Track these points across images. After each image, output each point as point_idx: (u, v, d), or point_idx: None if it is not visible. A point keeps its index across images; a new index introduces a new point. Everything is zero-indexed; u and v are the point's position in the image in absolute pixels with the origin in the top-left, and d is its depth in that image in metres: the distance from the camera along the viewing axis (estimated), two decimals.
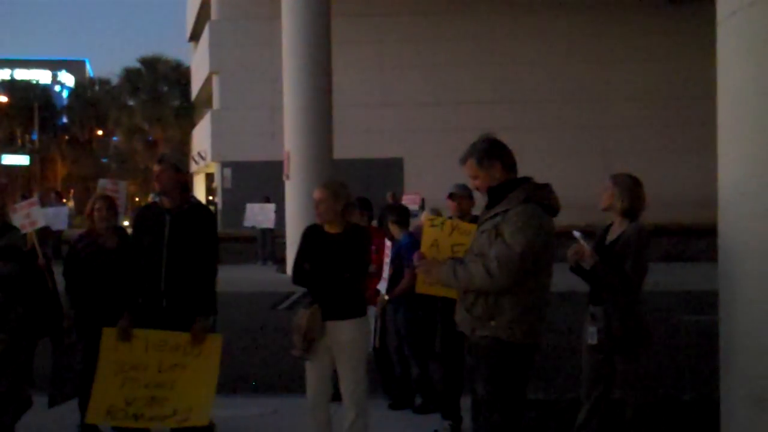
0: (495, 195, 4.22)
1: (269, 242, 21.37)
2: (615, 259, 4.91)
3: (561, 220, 4.34)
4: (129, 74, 52.08)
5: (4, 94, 60.22)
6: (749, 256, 4.64)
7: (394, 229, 7.19)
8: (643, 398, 4.99)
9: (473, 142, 4.36)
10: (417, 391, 7.06)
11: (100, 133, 59.11)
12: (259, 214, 20.38)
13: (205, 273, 5.37)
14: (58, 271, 6.05)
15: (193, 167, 41.26)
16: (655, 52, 32.39)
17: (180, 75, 50.89)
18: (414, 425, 6.63)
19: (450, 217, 5.90)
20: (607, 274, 4.88)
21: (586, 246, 4.91)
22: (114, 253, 5.83)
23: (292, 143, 18.52)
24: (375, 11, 32.71)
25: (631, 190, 5.08)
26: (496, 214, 4.15)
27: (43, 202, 18.97)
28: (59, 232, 19.16)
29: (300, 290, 7.18)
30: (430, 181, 26.05)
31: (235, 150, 33.60)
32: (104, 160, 60.81)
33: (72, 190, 58.77)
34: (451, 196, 6.29)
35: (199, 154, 39.48)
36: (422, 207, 17.78)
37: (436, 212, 6.17)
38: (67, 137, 60.74)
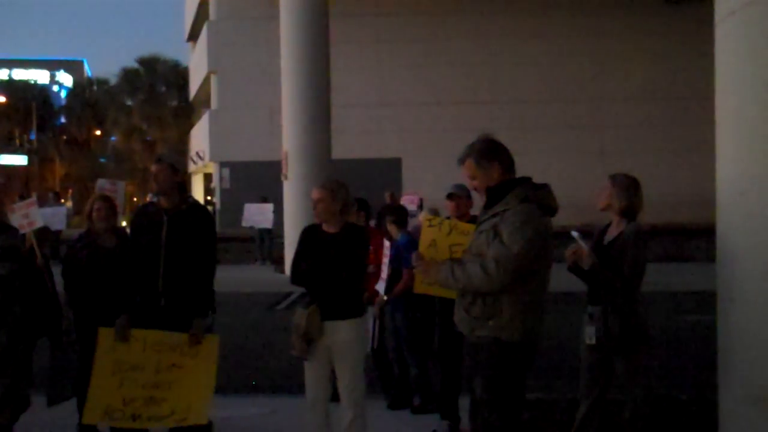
0: (493, 195, 4.23)
1: (267, 242, 21.37)
2: (613, 259, 4.92)
3: (559, 220, 4.34)
4: (127, 74, 52.06)
5: (2, 94, 60.19)
6: (747, 256, 4.65)
7: (392, 229, 7.19)
8: (641, 398, 4.99)
9: (471, 142, 4.36)
10: (416, 391, 7.07)
11: (98, 133, 59.06)
12: (257, 214, 20.38)
13: (203, 273, 5.37)
14: (56, 271, 6.05)
15: (192, 167, 41.24)
16: (653, 52, 32.38)
17: (178, 75, 50.86)
18: (412, 425, 6.64)
19: (448, 217, 5.90)
20: (605, 274, 4.89)
21: (584, 246, 4.91)
22: (113, 254, 5.82)
23: (290, 143, 18.52)
24: (373, 11, 32.69)
25: (629, 190, 5.08)
26: (494, 215, 4.15)
27: (41, 203, 18.97)
28: (57, 233, 19.15)
29: (298, 290, 7.17)
30: (428, 181, 26.01)
31: (234, 150, 33.57)
32: (102, 160, 60.76)
33: (70, 190, 58.72)
34: (449, 196, 6.29)
35: (197, 154, 39.44)
36: (420, 207, 17.77)
37: (435, 212, 6.18)
38: (65, 137, 60.69)
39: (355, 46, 31.20)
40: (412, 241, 6.66)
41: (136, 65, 52.04)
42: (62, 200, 35.82)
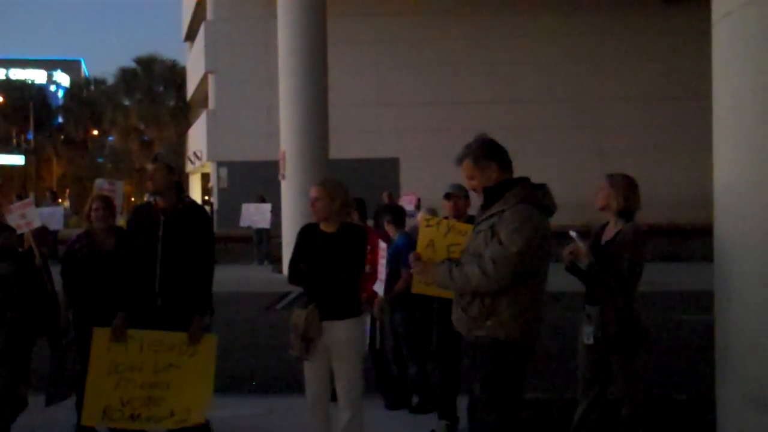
0: (491, 195, 4.23)
1: (265, 242, 21.36)
2: (611, 259, 4.92)
3: (557, 220, 4.35)
4: (124, 74, 52.03)
5: (0, 94, 60.12)
6: (745, 256, 4.65)
7: (390, 229, 7.20)
8: (640, 398, 5.00)
9: (469, 142, 4.36)
10: (414, 391, 7.07)
11: (95, 132, 58.99)
12: (255, 214, 20.37)
13: (201, 273, 5.37)
14: (55, 271, 6.04)
15: (189, 167, 41.25)
16: (651, 52, 32.44)
17: (176, 75, 50.84)
18: (410, 425, 6.63)
19: (446, 218, 5.90)
20: (602, 274, 4.89)
21: (581, 245, 4.92)
22: (112, 253, 5.82)
23: (288, 143, 18.52)
24: (371, 11, 32.70)
25: (626, 190, 5.08)
26: (492, 215, 4.16)
27: (39, 203, 18.97)
28: (55, 232, 19.14)
29: (296, 290, 7.18)
30: (426, 181, 26.02)
31: (231, 150, 33.58)
32: (100, 160, 60.70)
33: (68, 190, 58.68)
34: (447, 196, 6.29)
35: (194, 153, 39.45)
36: (418, 207, 17.77)
37: (433, 212, 6.18)
38: (62, 137, 60.63)
39: (352, 46, 31.21)
40: (410, 241, 6.67)
41: (133, 65, 52.04)
42: (59, 200, 35.78)
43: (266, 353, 9.86)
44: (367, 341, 6.52)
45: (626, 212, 5.06)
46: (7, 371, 5.60)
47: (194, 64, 41.16)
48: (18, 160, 59.36)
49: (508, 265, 3.99)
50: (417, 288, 5.50)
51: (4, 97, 59.69)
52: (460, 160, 4.31)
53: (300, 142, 18.27)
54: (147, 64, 51.58)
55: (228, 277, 13.97)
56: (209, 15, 36.23)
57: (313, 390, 5.22)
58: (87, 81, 68.66)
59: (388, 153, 32.76)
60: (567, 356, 6.53)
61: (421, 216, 5.80)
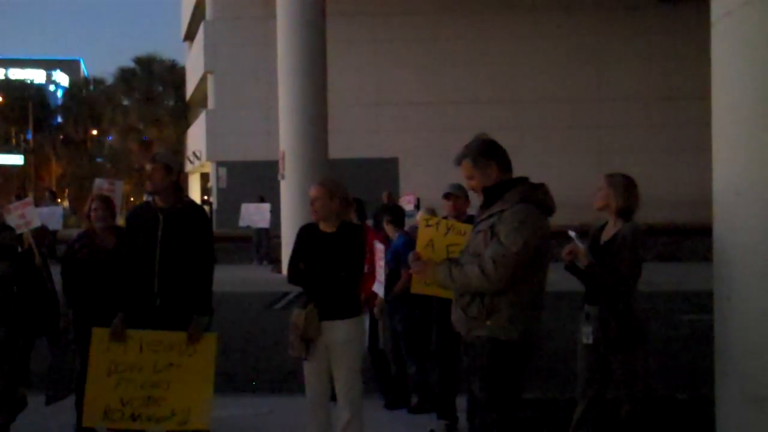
0: (491, 195, 4.22)
1: (264, 242, 21.35)
2: (610, 259, 4.92)
3: (556, 220, 4.35)
4: (124, 74, 52.06)
5: None
6: (744, 255, 4.65)
7: (389, 229, 7.20)
8: (639, 397, 5.00)
9: (468, 142, 4.36)
10: (414, 391, 7.07)
11: (94, 132, 59.02)
12: (254, 214, 20.37)
13: (201, 272, 5.36)
14: (55, 270, 6.04)
15: (188, 167, 41.22)
16: (650, 52, 32.45)
17: (175, 75, 50.86)
18: (410, 425, 6.63)
19: (445, 217, 5.90)
20: (601, 273, 4.89)
21: (580, 245, 4.92)
22: (111, 253, 5.82)
23: (287, 143, 18.52)
24: (370, 11, 32.71)
25: (625, 190, 5.08)
26: (491, 215, 4.15)
27: (38, 202, 18.94)
28: (54, 232, 19.13)
29: (295, 290, 7.17)
30: (425, 181, 26.05)
31: (230, 150, 33.58)
32: (99, 160, 60.71)
33: (67, 190, 58.68)
34: (446, 195, 6.29)
35: (194, 153, 39.46)
36: (417, 207, 17.77)
37: (432, 212, 6.18)
38: (61, 137, 60.66)
39: (352, 45, 31.22)
40: (409, 241, 6.67)
41: (132, 65, 52.08)
42: (59, 200, 35.77)
43: (266, 353, 9.86)
44: (366, 341, 6.53)
45: (625, 212, 5.06)
46: (6, 371, 5.59)
47: (193, 63, 41.16)
48: (17, 159, 59.37)
49: (508, 265, 3.99)
50: (416, 288, 5.50)
51: (3, 97, 59.69)
52: (459, 160, 4.31)
53: (299, 142, 18.26)
54: (146, 63, 51.61)
55: (227, 277, 13.98)
56: (208, 15, 36.22)
57: (312, 390, 5.21)
58: (86, 81, 68.71)
59: (387, 153, 32.76)
60: (566, 356, 6.53)
61: (420, 216, 5.80)
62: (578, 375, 5.18)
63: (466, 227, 5.05)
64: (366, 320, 6.44)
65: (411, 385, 7.10)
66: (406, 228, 7.28)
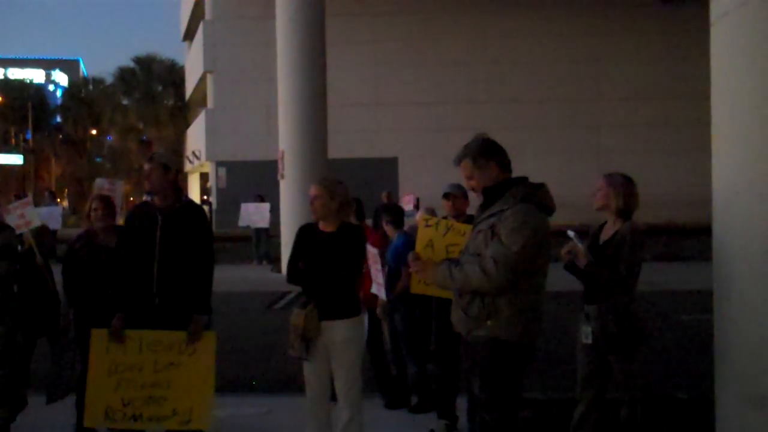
0: (491, 195, 4.23)
1: (264, 242, 21.36)
2: (609, 259, 4.92)
3: (555, 220, 4.35)
4: (123, 73, 52.06)
5: None
6: (743, 255, 4.65)
7: (389, 229, 7.20)
8: (639, 397, 5.00)
9: (467, 142, 4.36)
10: (414, 391, 7.07)
11: (94, 132, 59.01)
12: (254, 214, 20.37)
13: (201, 271, 5.36)
14: (55, 270, 6.05)
15: (188, 167, 41.24)
16: (649, 52, 32.47)
17: (174, 74, 50.87)
18: (410, 424, 6.64)
19: (445, 217, 5.90)
20: (600, 273, 4.89)
21: (579, 245, 4.92)
22: (112, 253, 5.82)
23: (286, 143, 18.52)
24: (369, 11, 32.72)
25: (625, 190, 5.08)
26: (492, 214, 4.15)
27: (37, 202, 18.96)
28: (53, 232, 19.12)
29: (295, 290, 7.18)
30: (424, 181, 26.06)
31: (230, 149, 33.59)
32: (98, 160, 60.73)
33: (66, 190, 58.67)
34: (446, 195, 6.29)
35: (193, 153, 39.46)
36: (417, 207, 17.77)
37: (431, 212, 6.17)
38: (61, 136, 60.65)
39: (351, 45, 31.23)
40: (409, 241, 6.66)
41: (132, 64, 52.08)
42: (58, 200, 35.76)
43: (265, 353, 9.86)
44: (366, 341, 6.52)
45: (624, 212, 5.06)
46: (7, 371, 5.60)
47: (193, 63, 41.15)
48: (16, 159, 59.36)
49: (508, 265, 3.99)
50: (416, 288, 5.50)
51: (2, 97, 59.66)
52: (459, 160, 4.31)
53: (299, 142, 18.27)
54: (146, 63, 51.62)
55: (227, 277, 13.98)
56: (208, 14, 36.22)
57: (312, 390, 5.21)
58: (85, 80, 68.68)
59: (386, 153, 32.77)
60: (566, 356, 6.54)
61: (419, 216, 5.80)
62: (578, 375, 5.18)
63: (466, 227, 5.05)
64: (365, 320, 6.45)
65: (411, 385, 7.10)
66: (405, 228, 7.28)
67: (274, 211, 19.72)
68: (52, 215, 18.83)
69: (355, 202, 7.18)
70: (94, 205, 5.98)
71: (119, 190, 7.67)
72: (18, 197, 20.01)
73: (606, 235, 5.09)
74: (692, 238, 20.91)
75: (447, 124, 30.87)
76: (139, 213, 5.57)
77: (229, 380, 7.84)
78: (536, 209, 4.14)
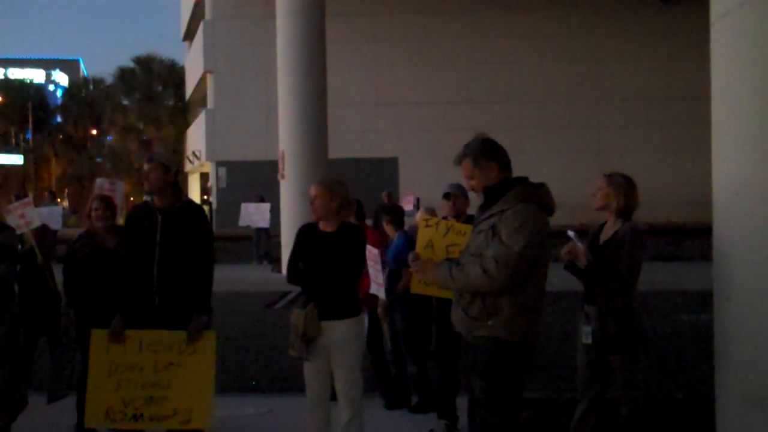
0: (491, 195, 4.23)
1: (264, 242, 21.36)
2: (609, 259, 4.92)
3: (555, 220, 4.35)
4: (123, 73, 52.07)
5: None
6: (744, 255, 4.65)
7: (389, 229, 7.20)
8: (639, 397, 5.00)
9: (467, 142, 4.36)
10: (414, 391, 7.07)
11: (94, 132, 59.02)
12: (254, 214, 20.36)
13: (201, 271, 5.36)
14: (56, 270, 6.05)
15: (188, 167, 41.24)
16: (650, 52, 32.46)
17: (174, 74, 50.87)
18: (410, 424, 6.64)
19: (445, 217, 5.90)
20: (600, 273, 4.89)
21: (579, 245, 4.92)
22: (112, 253, 5.82)
23: (286, 143, 18.53)
24: (369, 11, 32.72)
25: (625, 190, 5.08)
26: (493, 214, 4.15)
27: (37, 202, 18.94)
28: (54, 232, 19.10)
29: (295, 290, 7.18)
30: (424, 181, 26.09)
31: (230, 149, 33.60)
32: (99, 160, 60.70)
33: (66, 190, 58.67)
34: (446, 195, 6.29)
35: (193, 153, 39.47)
36: (417, 207, 17.78)
37: (431, 212, 6.18)
38: (61, 136, 60.66)
39: (351, 45, 31.23)
40: (409, 241, 6.67)
41: (132, 65, 52.09)
42: (58, 200, 35.77)
43: (266, 353, 9.86)
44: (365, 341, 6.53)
45: (625, 212, 5.06)
46: (7, 371, 5.60)
47: (193, 63, 41.16)
48: (17, 159, 59.36)
49: (510, 265, 3.99)
50: (416, 288, 5.50)
51: (2, 97, 59.66)
52: (459, 160, 4.31)
53: (299, 142, 18.28)
54: (146, 63, 51.63)
55: (227, 277, 13.98)
56: (208, 14, 36.23)
57: (313, 390, 5.22)
58: (86, 80, 68.68)
59: (387, 153, 32.77)
60: (566, 356, 6.54)
61: (419, 216, 5.80)
62: (578, 375, 5.18)
63: (466, 227, 5.05)
64: (365, 320, 6.45)
65: (411, 385, 7.10)
66: (405, 228, 7.28)
67: (275, 211, 19.72)
68: (52, 215, 18.72)
69: (355, 203, 7.19)
70: (94, 205, 5.99)
71: (120, 190, 7.68)
72: (18, 197, 20.00)
73: (606, 235, 5.09)
74: (692, 238, 20.91)
75: (447, 124, 30.87)
76: (139, 213, 5.57)
77: (230, 380, 7.85)
78: (537, 209, 4.14)
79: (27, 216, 6.49)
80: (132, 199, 51.24)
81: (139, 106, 50.43)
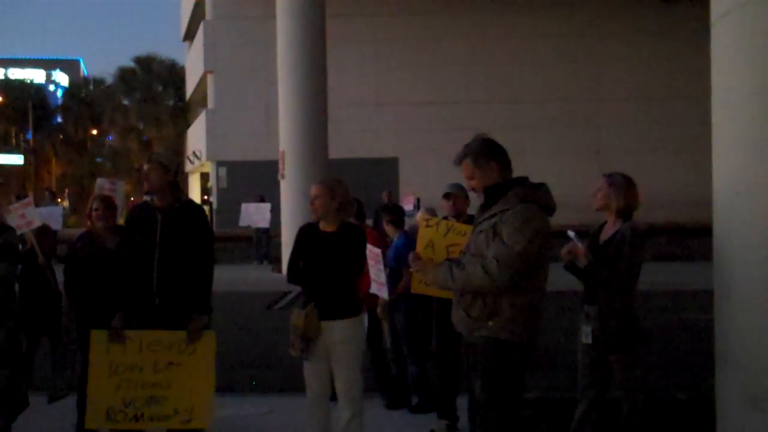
0: (492, 195, 4.23)
1: (264, 242, 21.37)
2: (609, 259, 4.92)
3: (555, 220, 4.35)
4: (123, 73, 52.02)
5: None
6: (744, 255, 4.66)
7: (389, 229, 7.20)
8: (639, 397, 5.00)
9: (467, 142, 4.36)
10: (414, 391, 7.07)
11: (94, 132, 58.95)
12: (254, 214, 20.37)
13: (200, 270, 5.37)
14: (57, 270, 6.06)
15: (188, 167, 41.21)
16: (650, 52, 32.42)
17: (175, 74, 50.82)
18: (410, 424, 6.64)
19: (445, 217, 5.91)
20: (600, 273, 4.89)
21: (579, 245, 4.92)
22: (113, 253, 5.83)
23: (287, 143, 18.53)
24: (369, 11, 32.69)
25: (625, 190, 5.08)
26: (493, 214, 4.16)
27: (37, 202, 18.92)
28: (54, 232, 19.09)
29: (295, 289, 7.19)
30: (425, 181, 26.07)
31: (230, 149, 33.56)
32: (99, 160, 60.65)
33: (67, 190, 58.63)
34: (446, 195, 6.29)
35: (194, 153, 39.43)
36: (417, 207, 17.78)
37: (432, 212, 6.18)
38: (61, 137, 60.58)
39: (352, 45, 31.21)
40: (409, 241, 6.67)
41: (132, 65, 52.03)
42: (58, 200, 35.75)
43: (266, 353, 9.86)
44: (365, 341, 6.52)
45: (625, 212, 5.06)
46: (7, 371, 5.60)
47: (193, 63, 41.13)
48: (17, 159, 59.28)
49: (511, 265, 3.99)
50: (416, 288, 5.51)
51: (3, 97, 59.61)
52: (459, 160, 4.31)
53: (299, 142, 18.28)
54: (146, 63, 51.59)
55: (227, 277, 13.99)
56: (208, 14, 36.20)
57: (312, 389, 5.22)
58: (86, 81, 68.63)
59: (387, 153, 32.74)
60: (566, 356, 6.54)
61: (420, 216, 5.80)
62: (578, 375, 5.18)
63: (466, 228, 5.05)
64: (365, 320, 6.45)
65: (412, 385, 7.10)
66: (406, 228, 7.28)
67: (275, 211, 19.73)
68: (52, 215, 18.68)
69: (356, 203, 7.18)
70: (94, 206, 5.99)
71: (121, 190, 7.68)
72: (19, 197, 20.00)
73: (606, 235, 5.09)
74: (692, 238, 20.89)
75: (447, 124, 30.83)
76: (139, 213, 5.58)
77: (230, 380, 7.85)
78: (538, 209, 4.14)
79: (28, 216, 6.50)
80: (132, 199, 51.23)
81: (139, 106, 50.38)
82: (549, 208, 4.24)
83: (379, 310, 6.84)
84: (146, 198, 5.64)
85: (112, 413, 5.28)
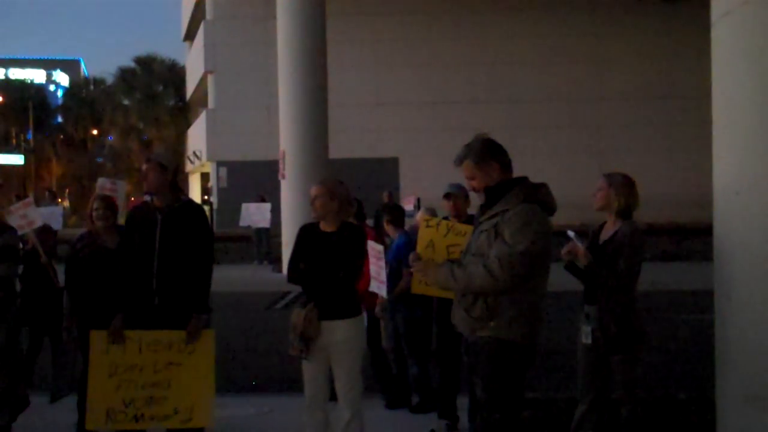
0: (492, 195, 4.23)
1: (265, 242, 21.37)
2: (609, 259, 4.92)
3: (556, 220, 4.35)
4: (124, 74, 52.03)
5: None
6: (743, 254, 4.66)
7: (389, 229, 7.20)
8: (639, 397, 5.01)
9: (468, 142, 4.36)
10: (414, 391, 7.08)
11: (95, 132, 58.98)
12: (254, 214, 20.38)
13: (200, 270, 5.37)
14: (59, 270, 6.06)
15: (189, 167, 41.23)
16: (650, 52, 32.42)
17: (175, 74, 50.83)
18: (410, 424, 6.64)
19: (446, 218, 5.91)
20: (600, 273, 4.90)
21: (579, 245, 4.92)
22: (114, 253, 5.83)
23: (287, 143, 18.54)
24: (370, 11, 32.69)
25: (625, 190, 5.09)
26: (494, 215, 4.15)
27: (38, 202, 18.92)
28: (54, 232, 19.09)
29: (296, 289, 7.18)
30: (425, 181, 26.07)
31: (231, 149, 33.57)
32: (99, 160, 60.68)
33: (67, 190, 58.64)
34: (446, 195, 6.29)
35: (194, 153, 39.44)
36: (418, 207, 17.78)
37: (432, 212, 6.18)
38: (61, 137, 60.60)
39: (352, 45, 31.21)
40: (409, 241, 6.67)
41: (132, 65, 52.05)
42: (59, 200, 35.77)
43: (266, 353, 9.87)
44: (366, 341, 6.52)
45: (625, 212, 5.07)
46: (7, 371, 5.60)
47: (193, 63, 41.15)
48: (17, 159, 59.28)
49: (513, 265, 3.99)
50: (417, 288, 5.51)
51: (3, 97, 59.62)
52: (460, 161, 4.31)
53: (299, 142, 18.29)
54: (146, 63, 51.61)
55: (228, 277, 14.00)
56: (208, 15, 36.21)
57: (311, 390, 5.22)
58: (86, 81, 68.68)
59: (387, 153, 32.75)
60: (566, 356, 6.54)
61: (420, 216, 5.80)
62: (578, 375, 5.19)
63: (466, 228, 5.05)
64: (365, 320, 6.45)
65: (412, 385, 7.10)
66: (406, 228, 7.28)
67: (275, 211, 19.73)
68: (52, 215, 18.69)
69: (356, 203, 7.19)
70: (95, 205, 5.99)
71: (121, 190, 7.69)
72: (19, 198, 20.01)
73: (606, 235, 5.09)
74: (692, 238, 20.89)
75: (447, 124, 30.84)
76: (139, 213, 5.59)
77: (230, 380, 7.85)
78: (539, 209, 4.14)
79: (29, 216, 6.51)
80: (133, 199, 51.20)
81: (139, 106, 50.40)
82: (550, 208, 4.24)
83: (377, 309, 6.84)
84: (146, 198, 5.63)
85: (112, 414, 5.28)
